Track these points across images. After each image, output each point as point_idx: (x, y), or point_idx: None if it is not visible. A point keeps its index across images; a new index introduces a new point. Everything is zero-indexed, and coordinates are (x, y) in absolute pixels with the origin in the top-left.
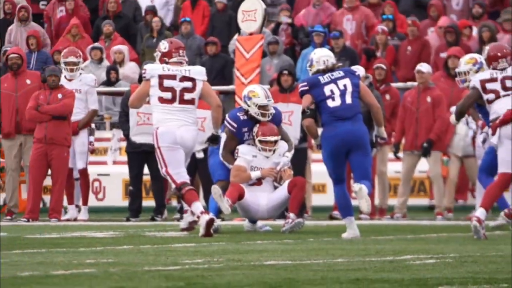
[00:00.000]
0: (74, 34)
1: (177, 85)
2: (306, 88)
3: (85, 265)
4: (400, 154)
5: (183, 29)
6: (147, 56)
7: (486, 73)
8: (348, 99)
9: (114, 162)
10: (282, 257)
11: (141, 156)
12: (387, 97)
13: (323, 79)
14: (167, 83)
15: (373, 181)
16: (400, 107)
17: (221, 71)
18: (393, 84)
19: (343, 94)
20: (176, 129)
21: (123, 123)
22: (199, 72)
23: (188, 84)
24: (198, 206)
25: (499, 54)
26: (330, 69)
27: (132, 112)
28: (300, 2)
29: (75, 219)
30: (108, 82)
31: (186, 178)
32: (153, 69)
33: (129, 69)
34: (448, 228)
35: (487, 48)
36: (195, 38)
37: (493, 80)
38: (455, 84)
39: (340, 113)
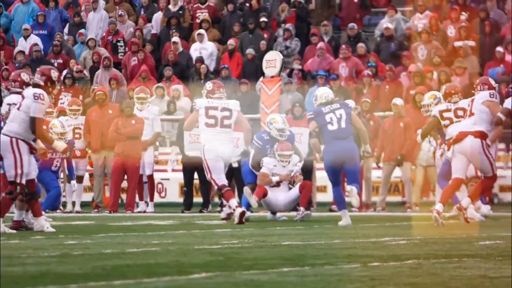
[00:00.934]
0: (143, 77)
1: (219, 114)
2: (312, 116)
3: (151, 244)
4: (381, 164)
5: (222, 73)
6: (196, 93)
7: (443, 105)
8: (343, 124)
9: (173, 170)
10: (294, 239)
11: (192, 166)
12: (371, 123)
13: (325, 109)
14: (211, 112)
15: (360, 184)
16: (381, 130)
17: (250, 104)
18: (376, 113)
19: (339, 120)
20: (217, 146)
21: (179, 141)
22: (234, 104)
23: (227, 113)
24: (234, 202)
25: (453, 91)
26: (330, 102)
27: (186, 133)
28: (308, 53)
29: (144, 212)
30: (168, 112)
31: (225, 181)
32: (201, 102)
33: (184, 102)
34: (415, 218)
35: (444, 87)
36: (231, 79)
37: (448, 110)
38: (421, 113)
39: (337, 134)
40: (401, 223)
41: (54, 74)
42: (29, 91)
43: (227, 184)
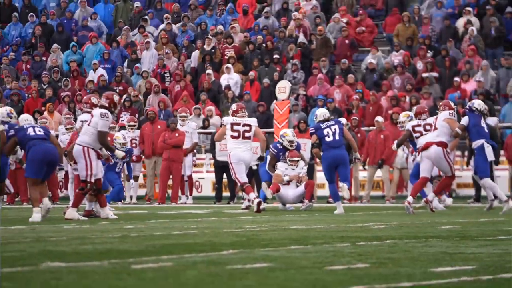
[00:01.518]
0: (184, 100)
1: (241, 129)
2: (313, 131)
3: (190, 228)
4: (366, 167)
5: (245, 97)
6: (225, 113)
7: (415, 122)
8: (337, 137)
9: (207, 171)
10: (300, 224)
11: (222, 168)
12: (359, 135)
13: (323, 125)
14: (235, 127)
15: (350, 182)
16: (366, 141)
17: (266, 121)
18: (362, 128)
19: (334, 133)
20: (240, 153)
21: (212, 149)
22: (253, 121)
23: (247, 128)
24: (252, 195)
25: (422, 111)
26: (327, 120)
27: (217, 143)
28: (310, 82)
29: (185, 203)
30: (203, 127)
31: (246, 179)
32: (228, 119)
33: (215, 119)
34: (392, 208)
35: (414, 108)
36: (251, 102)
37: (418, 125)
38: (397, 128)
39: (332, 144)
40: (381, 212)
41: (116, 98)
42: (97, 111)
43: (247, 182)
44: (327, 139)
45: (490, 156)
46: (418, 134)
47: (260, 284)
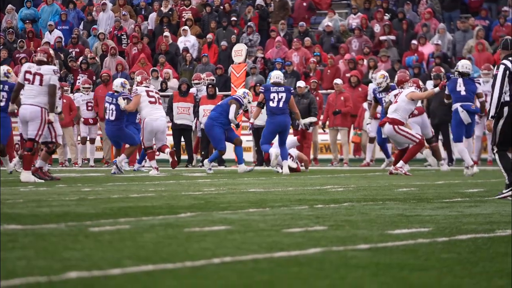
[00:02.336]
0: (142, 62)
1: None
2: (262, 90)
3: (148, 191)
4: (326, 130)
5: (203, 60)
6: (182, 75)
7: (396, 91)
8: (281, 104)
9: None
10: (258, 187)
11: (179, 131)
12: (317, 98)
13: (272, 88)
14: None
15: (309, 145)
16: (326, 104)
17: (224, 83)
18: (320, 91)
19: (279, 100)
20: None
21: (169, 112)
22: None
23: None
24: (154, 163)
25: (403, 79)
26: (278, 84)
27: (174, 105)
28: (268, 45)
29: (143, 166)
30: (161, 89)
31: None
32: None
33: (173, 82)
34: (350, 171)
35: (396, 76)
36: (210, 65)
37: (400, 93)
38: (355, 90)
39: (274, 110)
40: (339, 175)
41: (51, 51)
42: (46, 68)
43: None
44: (271, 104)
45: (466, 120)
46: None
47: (217, 247)
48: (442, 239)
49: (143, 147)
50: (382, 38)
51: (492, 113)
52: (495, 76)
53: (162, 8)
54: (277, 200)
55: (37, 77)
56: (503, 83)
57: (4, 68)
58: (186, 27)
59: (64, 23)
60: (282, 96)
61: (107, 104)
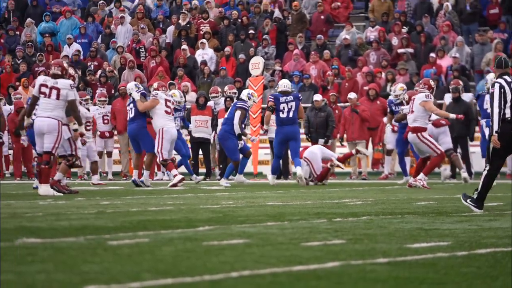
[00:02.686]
0: (160, 76)
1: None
2: (272, 98)
3: (167, 204)
4: (344, 143)
5: (221, 73)
6: (201, 88)
7: (407, 107)
8: (291, 114)
9: None
10: (276, 200)
11: (197, 144)
12: (336, 111)
13: (282, 98)
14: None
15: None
16: (342, 117)
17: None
18: (339, 104)
19: (289, 111)
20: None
21: (187, 124)
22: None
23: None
24: (174, 171)
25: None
26: (287, 92)
27: (192, 118)
28: (286, 58)
29: (161, 179)
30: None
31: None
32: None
33: (191, 95)
34: (368, 185)
35: (406, 95)
36: (228, 78)
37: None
38: (373, 103)
39: (285, 121)
40: (357, 188)
41: (65, 64)
42: (63, 83)
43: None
44: (281, 114)
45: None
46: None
47: (236, 261)
48: (462, 253)
49: (160, 159)
50: (400, 51)
51: (495, 128)
52: (491, 94)
53: (180, 21)
54: (296, 214)
55: (54, 91)
56: (501, 100)
57: None
58: (204, 40)
59: (83, 36)
60: (291, 106)
61: (128, 108)
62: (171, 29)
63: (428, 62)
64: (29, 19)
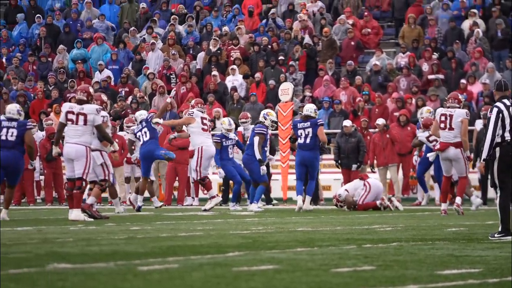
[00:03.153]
0: (190, 101)
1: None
2: (292, 127)
3: (196, 230)
4: (375, 169)
5: (251, 99)
6: (231, 114)
7: (426, 133)
8: (308, 140)
9: (213, 173)
10: (306, 226)
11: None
12: (368, 137)
13: (299, 125)
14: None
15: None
16: (371, 143)
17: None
18: (370, 130)
19: (306, 136)
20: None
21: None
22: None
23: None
24: (213, 191)
25: (429, 123)
26: (307, 117)
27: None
28: (317, 84)
29: (191, 205)
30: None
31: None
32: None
33: (222, 121)
34: (397, 211)
35: (424, 112)
36: (258, 104)
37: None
38: (403, 129)
39: (301, 147)
40: (387, 214)
41: (91, 89)
42: (89, 108)
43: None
44: (299, 140)
45: None
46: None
47: (266, 287)
48: (493, 280)
49: (197, 178)
50: (430, 77)
51: (484, 155)
52: (488, 119)
53: (210, 47)
54: (325, 239)
55: (81, 117)
56: (496, 126)
57: (17, 105)
58: (234, 66)
59: (114, 62)
60: (308, 132)
61: (139, 133)
62: (201, 55)
63: (459, 88)
64: (61, 46)
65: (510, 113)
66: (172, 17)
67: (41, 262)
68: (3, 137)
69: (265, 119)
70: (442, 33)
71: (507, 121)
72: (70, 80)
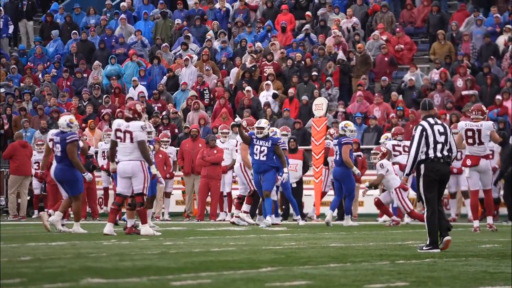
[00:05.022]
0: (224, 117)
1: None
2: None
3: (229, 245)
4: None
5: (284, 114)
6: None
7: (394, 141)
8: (337, 157)
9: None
10: (338, 241)
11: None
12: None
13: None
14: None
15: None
16: None
17: (303, 137)
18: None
19: (336, 153)
20: None
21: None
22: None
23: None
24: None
25: (398, 132)
26: (340, 135)
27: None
28: (350, 99)
29: (223, 220)
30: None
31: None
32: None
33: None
34: None
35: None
36: (291, 119)
37: (398, 145)
38: None
39: (336, 163)
40: (420, 230)
41: (139, 107)
42: (134, 125)
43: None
44: (333, 156)
45: None
46: (397, 153)
47: None
48: None
49: (247, 194)
50: (464, 92)
51: (407, 171)
52: (413, 137)
53: (245, 63)
54: (358, 255)
55: (127, 135)
56: (420, 144)
57: (66, 118)
58: (269, 82)
59: (146, 78)
60: (337, 149)
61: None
62: (234, 70)
63: (494, 104)
64: (96, 62)
65: (434, 131)
66: (208, 33)
67: (75, 277)
68: (56, 153)
69: (345, 131)
70: (477, 48)
71: (431, 139)
72: (105, 96)
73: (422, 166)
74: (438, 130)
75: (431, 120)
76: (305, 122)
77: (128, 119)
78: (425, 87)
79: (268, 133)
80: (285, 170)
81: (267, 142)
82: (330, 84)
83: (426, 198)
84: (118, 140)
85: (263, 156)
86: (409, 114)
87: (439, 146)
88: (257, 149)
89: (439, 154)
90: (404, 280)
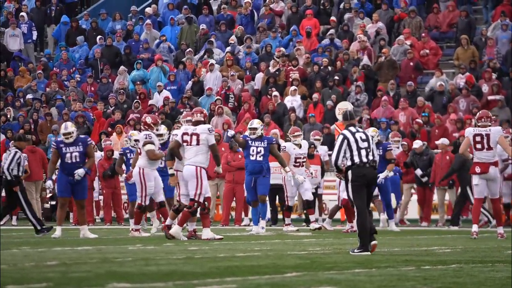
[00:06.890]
0: (247, 122)
1: None
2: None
3: (254, 250)
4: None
5: (310, 120)
6: (286, 136)
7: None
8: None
9: None
10: None
11: (272, 190)
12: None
13: None
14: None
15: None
16: (433, 163)
17: (331, 142)
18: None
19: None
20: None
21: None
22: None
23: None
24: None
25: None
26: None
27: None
28: (375, 104)
29: (248, 225)
30: None
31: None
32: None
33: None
34: (457, 232)
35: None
36: (317, 125)
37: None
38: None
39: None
40: (446, 235)
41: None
42: (201, 128)
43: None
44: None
45: None
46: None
47: None
48: None
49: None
50: (490, 97)
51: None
52: (335, 144)
53: (269, 68)
54: (383, 261)
55: (194, 137)
56: (340, 151)
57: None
58: (294, 87)
59: (173, 83)
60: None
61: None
62: (259, 76)
63: None
64: (122, 67)
65: (356, 138)
66: (231, 38)
67: (101, 281)
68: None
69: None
70: (502, 53)
71: (354, 146)
72: (134, 101)
73: (350, 172)
74: (360, 137)
75: (352, 128)
76: (331, 125)
77: (197, 123)
78: (453, 93)
79: (261, 133)
80: (287, 169)
81: (262, 143)
82: (360, 89)
83: (356, 203)
84: (185, 144)
85: (260, 157)
86: (435, 119)
87: (363, 152)
88: (253, 150)
89: (364, 159)
90: (429, 286)
